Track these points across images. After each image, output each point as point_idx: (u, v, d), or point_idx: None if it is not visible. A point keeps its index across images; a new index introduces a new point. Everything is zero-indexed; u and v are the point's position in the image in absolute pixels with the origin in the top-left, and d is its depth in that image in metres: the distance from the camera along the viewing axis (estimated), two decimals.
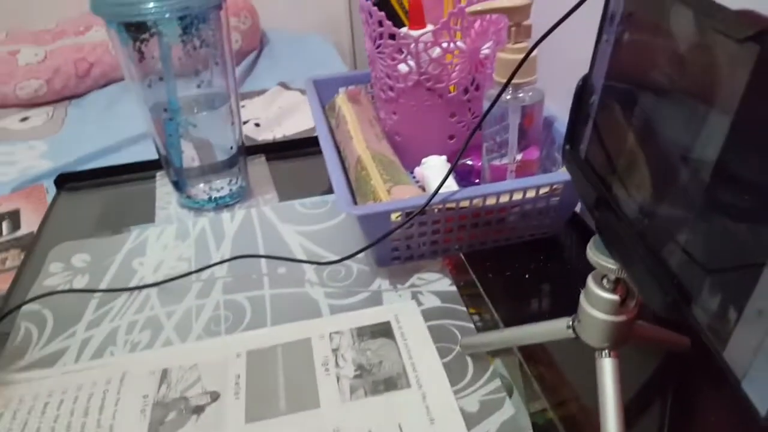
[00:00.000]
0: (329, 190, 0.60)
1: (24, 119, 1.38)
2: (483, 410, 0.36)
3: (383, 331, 0.42)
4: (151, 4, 0.47)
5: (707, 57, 0.21)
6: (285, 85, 1.03)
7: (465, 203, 0.44)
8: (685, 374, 0.37)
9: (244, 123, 0.86)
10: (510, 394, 0.36)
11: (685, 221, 0.23)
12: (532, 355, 0.39)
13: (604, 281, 0.30)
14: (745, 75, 0.19)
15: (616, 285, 0.29)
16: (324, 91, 0.65)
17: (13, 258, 0.94)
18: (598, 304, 0.30)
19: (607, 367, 0.30)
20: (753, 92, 0.19)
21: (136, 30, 0.49)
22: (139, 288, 0.48)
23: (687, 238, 0.23)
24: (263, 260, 0.50)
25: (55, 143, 1.28)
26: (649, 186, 0.26)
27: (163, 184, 0.64)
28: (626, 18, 0.28)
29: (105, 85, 1.48)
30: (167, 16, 0.48)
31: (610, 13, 0.30)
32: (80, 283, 0.50)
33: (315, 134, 0.69)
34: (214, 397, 0.39)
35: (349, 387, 0.38)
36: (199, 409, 0.38)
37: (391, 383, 0.38)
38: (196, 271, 0.49)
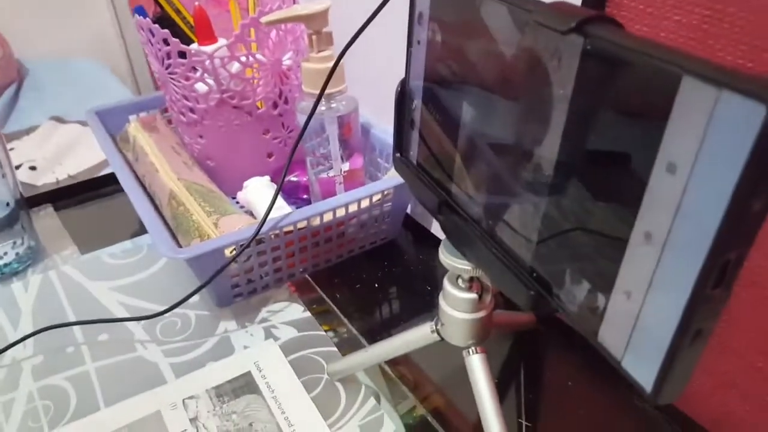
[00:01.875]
0: (140, 232, 0.52)
1: None
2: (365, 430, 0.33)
3: (246, 385, 0.37)
4: None
5: (528, 51, 0.21)
6: (59, 119, 0.88)
7: (302, 224, 0.41)
8: (535, 349, 0.39)
9: (17, 168, 0.71)
10: (378, 401, 0.35)
11: (532, 215, 0.23)
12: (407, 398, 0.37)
13: (459, 281, 0.30)
14: (574, 65, 0.19)
15: (471, 283, 0.29)
16: (110, 121, 0.56)
17: None
18: (457, 304, 0.29)
19: (476, 364, 0.30)
20: (583, 82, 0.19)
21: None
22: None
23: (537, 231, 0.23)
24: (77, 329, 0.41)
25: None
26: (487, 185, 0.26)
27: None
28: (435, 17, 0.27)
29: None
30: None
31: (417, 14, 0.29)
32: None
33: (108, 171, 0.60)
34: None
35: None
36: None
37: None
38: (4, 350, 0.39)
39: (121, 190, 0.44)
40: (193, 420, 0.35)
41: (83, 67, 1.44)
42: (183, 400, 0.36)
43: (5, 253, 0.47)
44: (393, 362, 0.37)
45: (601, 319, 0.20)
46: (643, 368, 0.19)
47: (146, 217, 0.40)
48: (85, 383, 0.38)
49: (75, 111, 0.88)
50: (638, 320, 0.19)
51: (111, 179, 0.59)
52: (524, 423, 0.34)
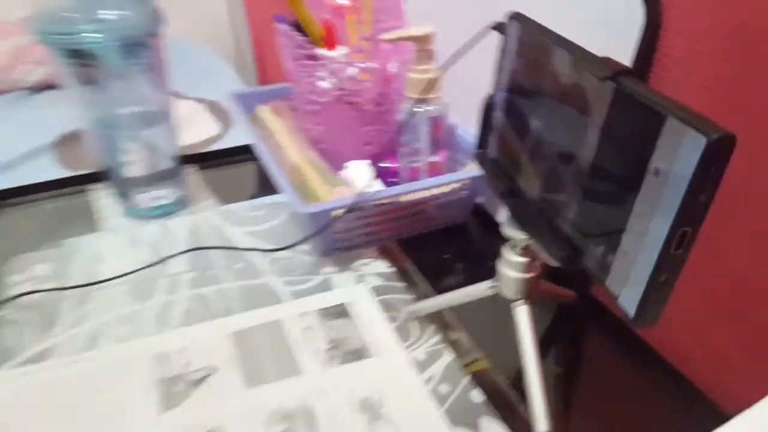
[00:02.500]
0: (260, 194, 0.64)
1: None
2: (429, 359, 0.44)
3: (341, 312, 0.49)
4: (92, 34, 0.49)
5: (578, 87, 0.31)
6: (177, 94, 1.04)
7: (391, 200, 0.52)
8: (573, 320, 0.48)
9: None
10: (442, 338, 0.45)
11: (570, 202, 0.32)
12: (459, 331, 0.48)
13: (516, 249, 0.39)
14: (606, 103, 0.28)
15: (524, 251, 0.39)
16: (245, 103, 0.69)
17: None
18: (512, 266, 0.39)
19: (522, 313, 0.40)
20: (612, 115, 0.28)
21: (78, 56, 0.50)
22: (111, 279, 0.51)
23: (573, 213, 0.32)
24: (221, 257, 0.54)
25: None
26: (542, 177, 0.35)
27: (99, 197, 0.64)
28: (518, 52, 0.37)
29: None
30: (107, 43, 0.50)
31: (505, 49, 0.39)
32: (47, 285, 0.50)
33: (221, 144, 0.73)
34: (212, 370, 0.43)
35: (325, 358, 0.44)
36: (200, 381, 0.42)
37: (357, 354, 0.45)
38: (161, 261, 0.53)
39: (243, 159, 0.56)
40: (306, 329, 0.47)
41: (193, 50, 1.61)
42: (299, 314, 0.48)
43: (165, 197, 0.60)
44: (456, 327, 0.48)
45: (609, 271, 0.30)
46: (630, 302, 0.28)
47: (281, 180, 0.52)
48: (226, 295, 0.50)
49: (189, 90, 1.03)
50: (630, 271, 0.28)
51: (238, 150, 0.73)
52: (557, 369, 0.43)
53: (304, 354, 0.45)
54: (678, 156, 0.24)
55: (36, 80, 1.40)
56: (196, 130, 1.21)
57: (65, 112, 1.35)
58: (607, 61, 0.29)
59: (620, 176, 0.28)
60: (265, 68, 1.80)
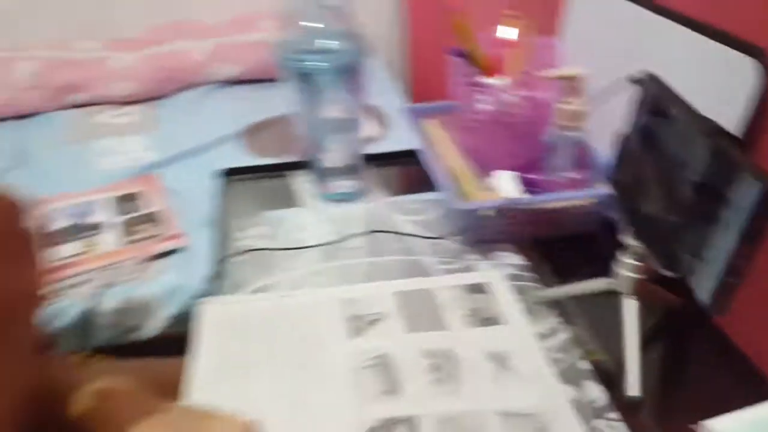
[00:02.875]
0: (420, 191, 0.82)
1: (120, 115, 1.61)
2: (550, 333, 0.58)
3: (480, 288, 0.65)
4: (315, 62, 0.69)
5: (688, 138, 0.43)
6: None
7: (532, 206, 0.67)
8: (678, 322, 0.59)
9: None
10: (562, 319, 0.59)
11: (673, 221, 0.45)
12: (575, 316, 0.61)
13: (631, 254, 0.52)
14: (705, 152, 0.41)
15: (637, 256, 0.52)
16: (414, 115, 0.87)
17: (147, 229, 1.17)
18: (627, 267, 0.52)
19: (630, 305, 0.53)
20: (707, 162, 0.41)
21: (304, 76, 0.71)
22: (312, 246, 0.72)
23: (674, 229, 0.45)
24: (388, 237, 0.73)
25: (154, 138, 1.51)
26: (655, 202, 0.48)
27: (301, 182, 0.86)
28: (648, 103, 0.50)
29: (186, 89, 1.71)
30: (326, 69, 0.70)
31: (639, 99, 0.52)
32: (264, 244, 0.72)
33: (380, 145, 0.91)
34: (382, 317, 0.61)
35: (466, 321, 0.61)
36: (374, 323, 0.60)
37: (492, 320, 0.61)
38: (347, 238, 0.72)
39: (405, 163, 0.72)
40: (452, 299, 0.63)
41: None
42: (447, 286, 0.65)
43: (350, 186, 0.80)
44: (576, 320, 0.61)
45: (693, 272, 0.42)
46: (705, 295, 0.40)
47: (441, 181, 0.69)
48: (389, 265, 0.68)
49: None
50: (706, 272, 0.40)
51: (404, 154, 0.91)
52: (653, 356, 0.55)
53: (448, 316, 0.61)
54: (743, 194, 0.36)
55: (227, 76, 1.72)
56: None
57: (250, 105, 1.65)
58: (710, 123, 0.42)
59: (707, 205, 0.41)
60: (418, 82, 2.01)
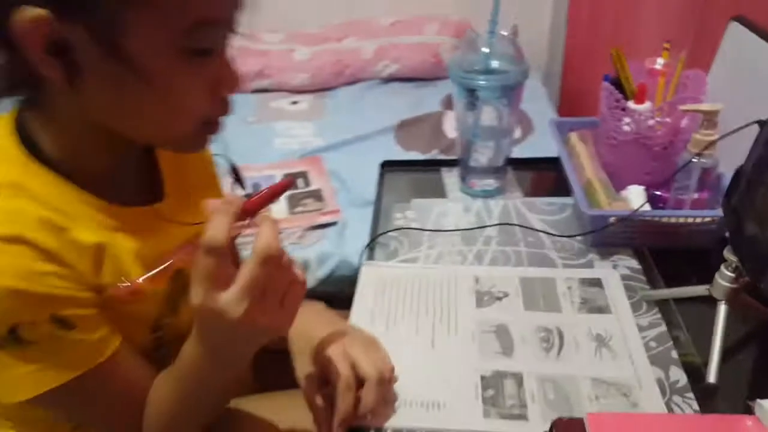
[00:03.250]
0: (554, 194, 0.96)
1: (293, 103, 1.91)
2: (649, 326, 0.71)
3: (596, 282, 0.78)
4: (482, 81, 0.86)
5: None
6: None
7: (656, 219, 0.79)
8: (764, 331, 0.69)
9: None
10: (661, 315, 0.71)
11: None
12: (675, 315, 0.73)
13: (729, 267, 0.63)
14: None
15: (734, 270, 0.63)
16: (559, 128, 1.01)
17: (310, 204, 1.43)
18: (724, 277, 0.63)
19: (722, 309, 0.64)
20: None
21: (470, 92, 0.88)
22: (453, 230, 0.89)
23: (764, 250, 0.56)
24: (519, 231, 0.88)
25: (321, 125, 1.78)
26: (760, 225, 0.59)
27: (447, 176, 1.04)
28: (765, 145, 0.60)
29: (352, 83, 1.97)
30: (490, 87, 0.86)
31: (759, 140, 0.62)
32: (413, 225, 0.91)
33: (521, 147, 1.05)
34: (505, 294, 0.77)
35: (578, 307, 0.75)
36: (498, 299, 0.77)
37: (601, 309, 0.74)
38: (482, 227, 0.89)
39: (543, 168, 0.87)
40: (569, 288, 0.78)
41: None
42: (565, 278, 0.79)
43: (490, 184, 0.97)
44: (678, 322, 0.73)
45: None
46: None
47: (576, 187, 0.83)
48: (520, 256, 0.84)
49: None
50: None
51: (545, 161, 1.05)
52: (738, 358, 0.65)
53: (563, 301, 0.76)
54: None
55: (389, 73, 1.95)
56: None
57: (406, 101, 1.86)
58: None
59: None
60: (568, 96, 2.11)
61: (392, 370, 0.63)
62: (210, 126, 0.56)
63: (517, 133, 1.64)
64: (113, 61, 0.48)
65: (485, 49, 0.86)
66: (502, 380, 0.66)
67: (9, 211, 0.50)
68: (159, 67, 0.49)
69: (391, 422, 0.62)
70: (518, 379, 0.66)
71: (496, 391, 0.64)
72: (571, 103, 2.07)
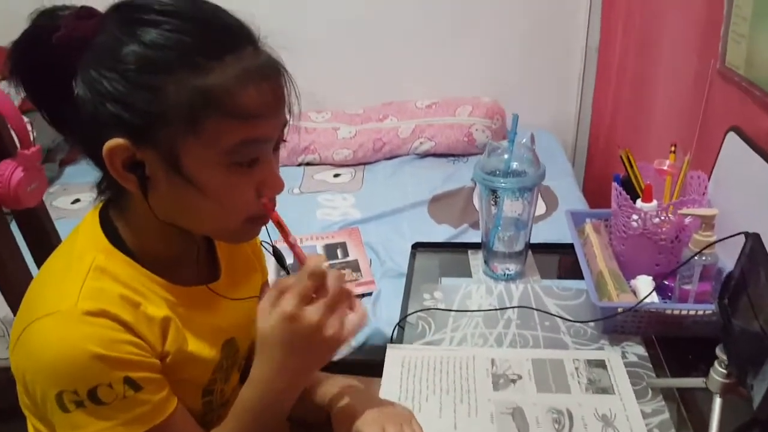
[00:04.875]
0: (571, 276, 1.02)
1: (336, 175, 2.03)
2: (653, 413, 0.76)
3: (601, 364, 0.85)
4: (503, 183, 0.95)
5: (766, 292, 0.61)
6: None
7: (661, 310, 0.85)
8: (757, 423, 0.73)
9: None
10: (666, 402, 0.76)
11: (749, 346, 0.62)
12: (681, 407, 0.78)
13: (721, 364, 0.69)
14: None
15: (726, 366, 0.68)
16: (575, 218, 1.08)
17: (349, 275, 1.51)
18: (717, 372, 0.69)
19: (717, 403, 0.69)
20: None
21: (493, 192, 0.97)
22: (475, 311, 0.97)
23: (750, 352, 0.62)
24: (536, 314, 0.95)
25: (360, 197, 1.89)
26: (744, 327, 0.65)
27: (473, 258, 1.12)
28: (748, 257, 0.67)
29: (390, 158, 2.09)
30: (511, 189, 0.95)
31: (744, 251, 0.69)
32: (440, 305, 0.99)
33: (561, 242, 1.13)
34: (519, 377, 0.84)
35: (585, 388, 0.81)
36: (513, 381, 0.83)
37: (605, 390, 0.80)
38: (502, 309, 0.97)
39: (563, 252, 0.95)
40: (576, 369, 0.84)
41: (543, 137, 2.07)
42: (573, 359, 0.85)
43: (511, 268, 1.04)
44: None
45: (753, 386, 0.59)
46: (758, 399, 0.57)
47: (587, 279, 0.90)
48: (536, 339, 0.90)
49: None
50: (761, 386, 0.57)
51: (562, 246, 1.13)
52: None
53: (572, 382, 0.82)
54: None
55: (425, 150, 2.07)
56: None
57: (439, 175, 1.96)
58: None
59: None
60: (592, 167, 2.20)
61: None
62: (257, 221, 0.65)
63: (542, 208, 1.72)
64: (175, 175, 0.58)
65: (506, 156, 0.96)
66: None
67: (95, 289, 0.61)
68: (210, 179, 0.59)
69: None
70: None
71: None
72: (596, 184, 2.15)
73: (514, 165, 0.97)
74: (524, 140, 0.95)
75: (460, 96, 2.13)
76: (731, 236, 0.71)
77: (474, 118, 2.04)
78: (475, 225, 1.66)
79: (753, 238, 0.67)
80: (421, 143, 2.05)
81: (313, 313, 0.59)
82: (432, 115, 2.08)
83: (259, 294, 0.82)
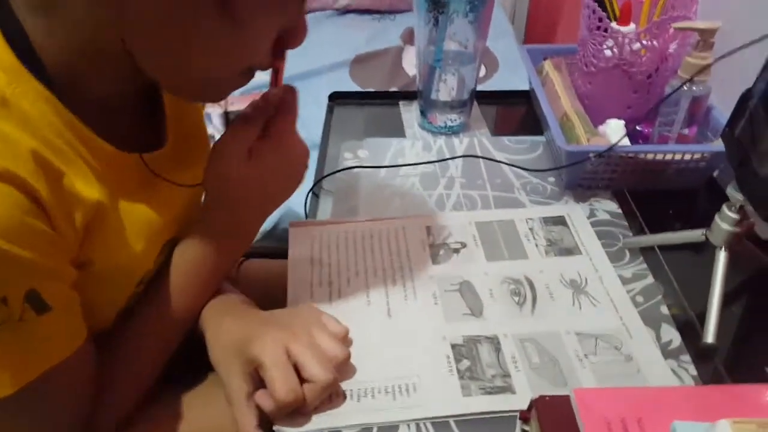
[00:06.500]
0: (525, 132, 0.84)
1: None
2: (633, 277, 0.61)
3: (560, 221, 0.68)
4: None
5: None
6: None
7: (635, 155, 0.68)
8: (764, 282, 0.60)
9: None
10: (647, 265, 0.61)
11: None
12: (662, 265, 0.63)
13: (732, 208, 0.53)
14: None
15: (739, 211, 0.52)
16: (532, 56, 0.88)
17: None
18: (726, 219, 0.53)
19: (722, 257, 0.54)
20: None
21: (436, 4, 0.73)
22: (410, 165, 0.77)
23: None
24: (485, 171, 0.76)
25: None
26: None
27: (406, 111, 0.90)
28: None
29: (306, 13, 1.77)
30: None
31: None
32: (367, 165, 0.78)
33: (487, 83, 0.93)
34: (463, 245, 0.66)
35: (544, 251, 0.64)
36: (456, 251, 0.65)
37: (570, 251, 0.64)
38: (442, 160, 0.78)
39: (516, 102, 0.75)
40: (531, 229, 0.67)
41: None
42: (526, 218, 0.68)
43: (454, 119, 0.84)
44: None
45: None
46: None
47: (551, 121, 0.71)
48: (485, 199, 0.72)
49: None
50: None
51: (515, 94, 0.93)
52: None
53: (529, 245, 0.65)
54: None
55: (344, 4, 1.77)
56: None
57: (362, 35, 1.69)
58: None
59: None
60: (534, 25, 1.97)
61: (347, 354, 0.50)
62: (246, 77, 0.49)
63: (482, 71, 1.50)
64: None
65: None
66: (476, 346, 0.55)
67: None
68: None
69: (353, 418, 0.49)
70: (495, 343, 0.55)
71: (472, 361, 0.53)
72: (541, 38, 1.93)
73: None
74: None
75: None
76: (754, 42, 0.52)
77: None
78: (405, 88, 1.43)
79: None
80: None
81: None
82: None
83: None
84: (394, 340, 0.56)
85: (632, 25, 0.75)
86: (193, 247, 0.54)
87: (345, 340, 0.53)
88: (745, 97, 0.54)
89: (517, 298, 0.59)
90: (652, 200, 0.71)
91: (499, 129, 0.87)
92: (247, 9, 0.41)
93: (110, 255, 0.46)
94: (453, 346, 0.55)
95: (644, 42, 0.72)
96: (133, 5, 0.39)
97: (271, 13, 0.44)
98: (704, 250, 0.56)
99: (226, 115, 0.62)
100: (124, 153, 0.47)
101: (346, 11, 1.78)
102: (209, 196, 0.54)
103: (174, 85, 0.49)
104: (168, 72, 0.46)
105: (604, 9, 0.76)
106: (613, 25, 0.75)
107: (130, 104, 0.53)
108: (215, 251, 0.54)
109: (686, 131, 0.70)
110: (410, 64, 1.54)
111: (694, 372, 0.50)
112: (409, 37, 1.64)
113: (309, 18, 1.75)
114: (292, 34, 0.47)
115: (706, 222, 0.55)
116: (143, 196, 0.49)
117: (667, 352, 0.52)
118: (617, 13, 0.77)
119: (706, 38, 0.64)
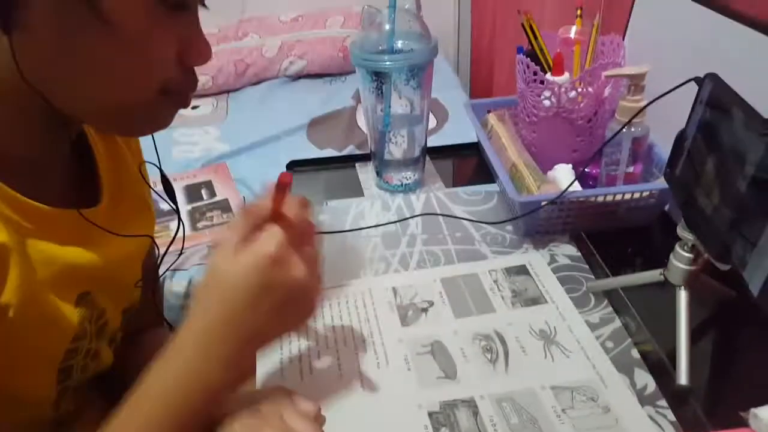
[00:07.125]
0: (479, 181, 0.84)
1: (194, 107, 1.71)
2: (601, 322, 0.60)
3: (522, 270, 0.68)
4: (388, 62, 0.73)
5: (746, 136, 0.44)
6: None
7: (587, 199, 0.68)
8: (729, 315, 0.60)
9: None
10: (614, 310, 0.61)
11: (727, 215, 0.46)
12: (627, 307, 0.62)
13: (685, 247, 0.53)
14: (760, 152, 0.42)
15: (692, 249, 0.53)
16: (476, 111, 0.89)
17: (218, 217, 1.24)
18: (681, 259, 0.53)
19: (683, 296, 0.54)
20: (763, 160, 0.42)
21: (377, 75, 0.74)
22: (372, 227, 0.76)
23: (728, 223, 0.46)
24: (445, 226, 0.76)
25: (225, 129, 1.60)
26: (713, 194, 0.49)
27: (363, 172, 0.90)
28: (708, 103, 0.51)
29: (257, 83, 1.79)
30: (398, 66, 0.73)
31: (699, 100, 0.52)
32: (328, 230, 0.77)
33: (438, 136, 0.94)
34: (430, 303, 0.64)
35: (510, 302, 0.63)
36: (424, 310, 0.64)
37: (535, 300, 0.63)
38: (401, 220, 0.77)
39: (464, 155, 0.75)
40: (495, 281, 0.66)
41: None
42: (488, 270, 0.68)
43: (409, 177, 0.84)
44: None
45: (746, 264, 0.43)
46: (756, 286, 0.41)
47: (501, 173, 0.71)
48: (447, 254, 0.71)
49: None
50: (760, 265, 0.41)
51: (465, 147, 0.94)
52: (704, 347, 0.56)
53: (494, 297, 0.64)
54: None
55: (296, 71, 1.79)
56: None
57: (316, 98, 1.71)
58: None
59: (762, 199, 0.42)
60: (478, 79, 2.03)
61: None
62: (173, 97, 0.47)
63: (432, 122, 1.53)
64: (77, 4, 0.39)
65: (387, 26, 0.73)
66: (453, 413, 0.53)
67: None
68: (128, 11, 0.41)
69: None
70: (471, 406, 0.53)
71: (451, 429, 0.51)
72: (486, 88, 1.98)
73: (399, 44, 0.75)
74: (407, 6, 0.72)
75: (329, 6, 1.85)
76: (681, 85, 0.54)
77: (348, 29, 1.79)
78: (362, 146, 1.43)
79: (711, 79, 0.50)
80: (291, 63, 1.77)
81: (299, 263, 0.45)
82: (299, 29, 1.79)
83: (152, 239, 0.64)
84: (369, 415, 0.53)
85: (566, 75, 0.77)
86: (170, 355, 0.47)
87: (318, 419, 0.50)
88: (680, 138, 0.55)
89: (489, 355, 0.58)
90: (609, 241, 0.71)
91: (453, 181, 0.87)
92: (130, 24, 0.41)
93: (29, 299, 0.43)
94: (430, 414, 0.52)
95: (579, 89, 0.74)
96: (30, 42, 0.40)
97: (157, 27, 0.43)
98: (666, 287, 0.56)
99: (163, 177, 0.61)
100: (59, 210, 0.47)
101: (297, 77, 1.80)
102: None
103: (94, 119, 0.49)
104: (80, 105, 0.45)
105: (537, 62, 0.78)
106: (548, 76, 0.77)
107: (61, 163, 0.52)
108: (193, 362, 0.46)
109: (632, 169, 0.71)
110: (365, 123, 1.56)
111: (672, 417, 0.49)
112: (361, 97, 1.67)
113: (264, 86, 1.78)
114: (193, 49, 0.46)
115: (665, 257, 0.55)
116: (71, 244, 0.49)
117: (643, 398, 0.51)
118: (551, 63, 0.79)
119: (636, 82, 0.66)
